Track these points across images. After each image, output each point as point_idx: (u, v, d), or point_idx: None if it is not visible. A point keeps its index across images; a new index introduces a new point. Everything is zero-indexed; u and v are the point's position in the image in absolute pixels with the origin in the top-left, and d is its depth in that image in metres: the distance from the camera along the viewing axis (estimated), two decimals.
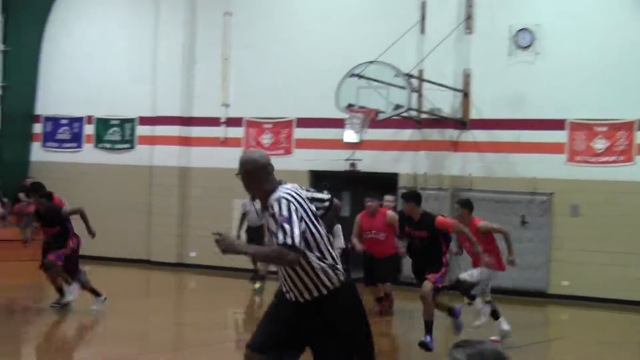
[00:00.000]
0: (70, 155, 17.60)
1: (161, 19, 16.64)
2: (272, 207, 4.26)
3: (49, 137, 17.91)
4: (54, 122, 17.82)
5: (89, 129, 17.52)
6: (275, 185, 4.39)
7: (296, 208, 4.25)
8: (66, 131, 17.71)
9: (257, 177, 4.41)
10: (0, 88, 17.64)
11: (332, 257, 4.37)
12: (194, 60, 16.69)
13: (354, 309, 4.43)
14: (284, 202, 4.27)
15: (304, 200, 4.39)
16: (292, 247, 4.15)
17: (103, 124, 17.34)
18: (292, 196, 4.32)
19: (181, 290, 15.48)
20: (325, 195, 5.08)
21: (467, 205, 9.57)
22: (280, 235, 4.14)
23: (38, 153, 17.96)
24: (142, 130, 17.01)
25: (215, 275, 15.36)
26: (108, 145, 17.34)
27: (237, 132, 16.29)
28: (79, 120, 17.60)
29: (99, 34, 17.27)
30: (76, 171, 16.98)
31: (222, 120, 16.41)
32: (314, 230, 4.32)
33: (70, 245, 10.20)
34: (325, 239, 4.41)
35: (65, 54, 17.58)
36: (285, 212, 4.22)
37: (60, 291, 10.28)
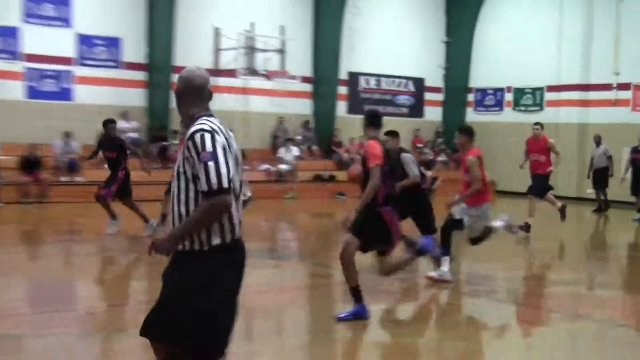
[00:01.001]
0: (493, 116, 24.66)
1: (565, 8, 22.26)
2: (190, 139, 3.75)
3: (478, 104, 25.53)
4: (482, 92, 25.29)
5: (508, 97, 24.45)
6: (202, 113, 3.91)
7: (222, 143, 3.73)
8: (491, 99, 24.95)
9: (186, 97, 3.98)
10: (444, 69, 25.77)
11: (232, 214, 3.81)
12: (591, 38, 21.71)
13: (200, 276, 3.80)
14: (207, 134, 3.72)
15: (227, 139, 3.83)
16: (222, 189, 3.66)
17: (519, 92, 24.09)
18: (215, 130, 3.77)
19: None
20: None
21: (467, 132, 9.40)
22: (203, 177, 3.65)
23: (471, 115, 25.39)
24: (549, 95, 23.14)
25: None
26: (522, 109, 23.87)
27: (626, 94, 21.19)
28: (501, 90, 24.65)
29: (525, 22, 23.48)
30: (498, 128, 23.67)
31: (614, 85, 21.36)
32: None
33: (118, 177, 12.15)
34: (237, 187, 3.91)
35: (492, 40, 24.49)
36: (208, 148, 3.68)
37: (113, 216, 12.27)
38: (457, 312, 8.41)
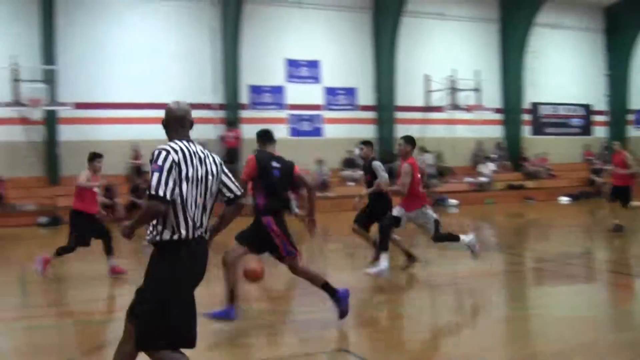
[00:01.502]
0: None
1: None
2: (152, 155, 4.45)
3: (637, 122, 30.90)
4: None
5: None
6: (177, 138, 4.61)
7: (172, 160, 4.38)
8: None
9: (167, 126, 4.71)
10: (607, 96, 30.26)
11: (192, 218, 4.47)
12: None
13: (160, 269, 4.47)
14: (163, 152, 4.43)
15: (191, 157, 4.50)
16: (156, 196, 4.31)
17: None
18: (175, 150, 4.46)
19: None
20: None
21: (411, 141, 9.82)
22: (150, 184, 4.35)
23: (631, 132, 30.81)
24: None
25: None
26: None
27: None
28: None
29: None
30: None
31: None
32: (183, 189, 4.42)
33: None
34: (192, 202, 4.48)
35: None
36: (159, 162, 4.37)
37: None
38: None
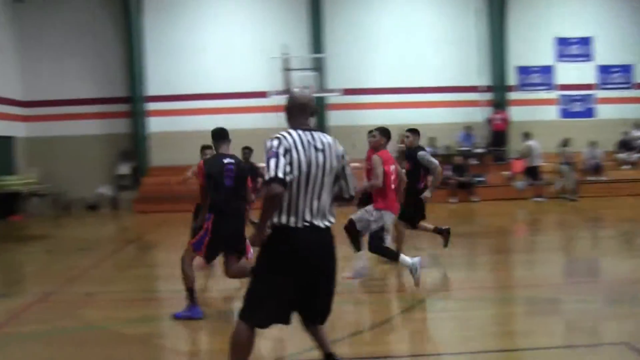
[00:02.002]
0: None
1: None
2: (266, 142, 4.55)
3: None
4: None
5: None
6: (295, 126, 4.67)
7: (285, 147, 4.48)
8: None
9: (289, 113, 4.77)
10: None
11: (302, 207, 4.53)
12: None
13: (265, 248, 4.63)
14: (275, 140, 4.53)
15: (304, 145, 4.53)
16: (274, 179, 4.39)
17: None
18: (285, 137, 4.54)
19: None
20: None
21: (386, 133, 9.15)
22: (267, 171, 4.45)
23: None
24: None
25: None
26: None
27: None
28: None
29: None
30: None
31: None
32: (294, 175, 4.48)
33: None
34: (302, 190, 4.53)
35: None
36: (273, 149, 4.47)
37: None
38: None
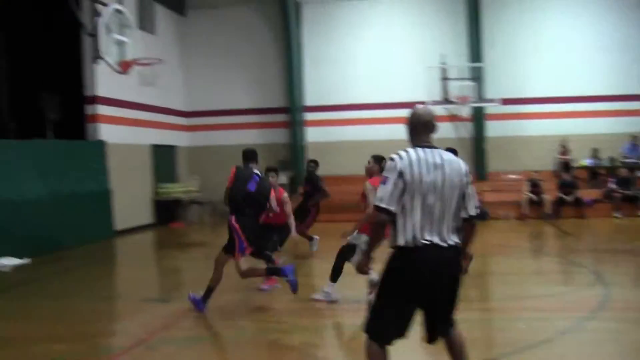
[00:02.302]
0: None
1: None
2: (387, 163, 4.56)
3: None
4: None
5: None
6: (417, 143, 4.64)
7: (399, 170, 4.44)
8: None
9: (412, 130, 4.73)
10: None
11: (419, 226, 4.46)
12: None
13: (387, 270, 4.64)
14: (390, 162, 4.52)
15: (421, 164, 4.47)
16: (379, 208, 4.45)
17: None
18: (401, 157, 4.51)
19: None
20: None
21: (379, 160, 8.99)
22: (376, 194, 4.51)
23: None
24: None
25: None
26: None
27: None
28: None
29: None
30: None
31: None
32: (408, 197, 4.45)
33: None
34: (420, 210, 4.46)
35: None
36: (386, 172, 4.49)
37: None
38: None
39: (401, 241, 4.49)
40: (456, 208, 4.62)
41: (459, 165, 4.66)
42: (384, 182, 4.46)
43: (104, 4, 12.57)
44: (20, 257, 13.23)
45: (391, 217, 4.44)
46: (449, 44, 22.16)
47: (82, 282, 11.33)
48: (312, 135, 23.49)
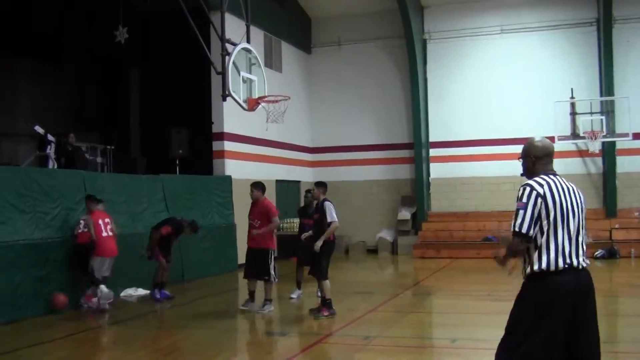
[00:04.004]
0: None
1: None
2: (518, 191, 4.61)
3: None
4: None
5: None
6: (544, 172, 4.73)
7: (537, 194, 4.51)
8: None
9: (537, 160, 4.80)
10: None
11: (561, 248, 4.45)
12: None
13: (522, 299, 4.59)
14: (527, 188, 4.57)
15: (558, 191, 4.54)
16: (519, 234, 4.46)
17: None
18: (540, 184, 4.56)
19: None
20: None
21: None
22: (513, 221, 4.52)
23: None
24: None
25: None
26: None
27: None
28: None
29: None
30: None
31: None
32: (550, 222, 4.46)
33: None
34: (561, 229, 4.47)
35: None
36: (524, 199, 4.53)
37: None
38: None
39: (543, 266, 4.49)
40: (583, 230, 4.68)
41: (578, 191, 4.76)
42: (522, 208, 4.51)
43: (233, 43, 12.97)
44: (145, 287, 13.74)
45: (528, 242, 4.50)
46: (578, 77, 21.65)
47: (203, 314, 11.59)
48: (435, 171, 23.28)
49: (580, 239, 4.61)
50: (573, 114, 20.87)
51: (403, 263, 20.61)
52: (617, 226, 20.51)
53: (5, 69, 19.90)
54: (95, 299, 11.88)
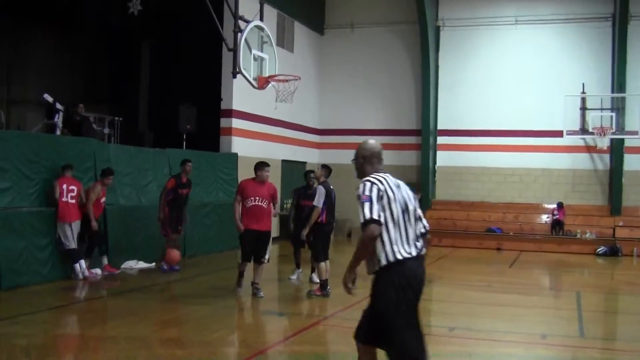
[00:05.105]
0: None
1: None
2: (358, 188, 4.91)
3: None
4: None
5: None
6: (374, 171, 5.09)
7: (378, 189, 4.82)
8: None
9: (366, 160, 5.20)
10: None
11: (401, 238, 4.82)
12: None
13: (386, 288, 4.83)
14: (367, 183, 4.90)
15: (389, 185, 4.88)
16: (371, 220, 4.71)
17: None
18: (379, 180, 4.90)
19: None
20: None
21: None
22: (361, 214, 4.78)
23: None
24: None
25: None
26: None
27: None
28: None
29: None
30: None
31: None
32: (388, 213, 4.79)
33: None
34: (401, 222, 4.84)
35: None
36: (367, 192, 4.82)
37: None
38: None
39: (391, 259, 4.79)
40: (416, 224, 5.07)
41: (407, 188, 5.12)
42: (367, 200, 4.78)
43: (246, 21, 12.94)
44: (146, 261, 13.81)
45: (380, 227, 4.75)
46: (590, 72, 21.53)
47: (203, 289, 11.65)
48: (441, 159, 23.26)
49: (417, 229, 5.02)
50: (583, 109, 20.78)
51: None
52: (621, 224, 20.47)
53: (17, 36, 19.89)
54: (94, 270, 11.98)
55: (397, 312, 4.76)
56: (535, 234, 20.96)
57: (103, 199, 12.41)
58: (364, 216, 4.75)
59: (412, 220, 4.97)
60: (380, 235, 4.78)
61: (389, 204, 4.83)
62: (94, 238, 12.26)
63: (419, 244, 4.95)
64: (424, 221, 5.15)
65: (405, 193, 5.00)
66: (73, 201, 11.82)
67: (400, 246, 4.81)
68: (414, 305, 4.85)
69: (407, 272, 4.80)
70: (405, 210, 4.93)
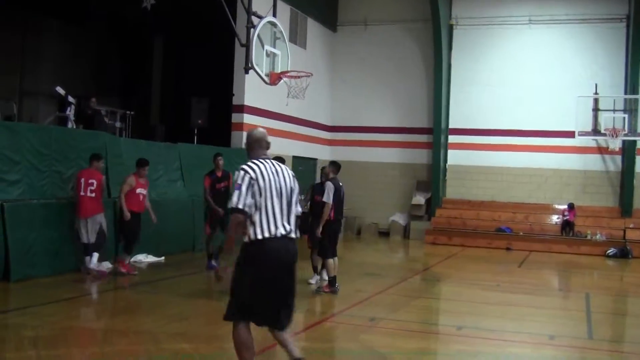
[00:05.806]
0: None
1: None
2: (234, 175, 5.52)
3: None
4: None
5: None
6: (256, 157, 5.55)
7: (250, 177, 5.32)
8: None
9: (250, 147, 5.65)
10: None
11: (269, 221, 5.31)
12: None
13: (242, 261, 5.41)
14: (241, 172, 5.39)
15: (267, 172, 5.38)
16: (236, 209, 5.27)
17: None
18: (252, 168, 5.38)
19: None
20: None
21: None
22: (230, 200, 5.41)
23: None
24: None
25: None
26: None
27: None
28: None
29: None
30: None
31: None
32: (262, 199, 5.30)
33: None
34: (270, 206, 5.34)
35: None
36: (239, 181, 5.34)
37: None
38: None
39: (259, 236, 5.33)
40: (293, 206, 5.61)
41: (289, 172, 5.66)
42: (237, 188, 5.30)
43: (259, 16, 12.95)
44: (156, 254, 13.81)
45: (245, 216, 5.30)
46: (603, 73, 21.42)
47: (212, 284, 11.65)
48: (452, 158, 23.19)
49: (291, 211, 5.54)
50: (595, 110, 20.70)
51: (414, 248, 20.60)
52: (631, 226, 20.36)
53: (31, 28, 19.96)
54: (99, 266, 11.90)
55: (240, 279, 5.39)
56: (545, 234, 20.86)
57: (139, 190, 12.03)
58: (232, 203, 5.34)
59: (285, 204, 5.47)
60: (251, 217, 5.33)
61: (259, 190, 5.32)
62: (128, 232, 11.95)
63: (287, 227, 5.45)
64: (299, 207, 5.68)
65: (282, 180, 5.49)
66: (93, 195, 11.49)
67: (265, 227, 5.32)
68: (271, 281, 5.43)
69: (266, 249, 5.34)
70: (279, 195, 5.42)
